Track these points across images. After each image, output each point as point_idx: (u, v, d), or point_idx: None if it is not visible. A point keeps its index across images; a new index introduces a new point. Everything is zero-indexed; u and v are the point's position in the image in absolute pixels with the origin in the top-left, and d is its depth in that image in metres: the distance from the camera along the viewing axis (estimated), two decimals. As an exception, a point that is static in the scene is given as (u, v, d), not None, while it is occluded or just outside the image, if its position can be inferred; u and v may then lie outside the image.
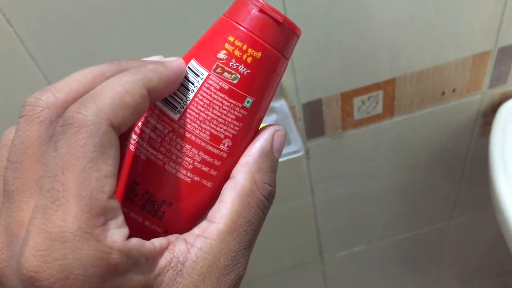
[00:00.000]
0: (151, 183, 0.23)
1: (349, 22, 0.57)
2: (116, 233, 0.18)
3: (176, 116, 0.22)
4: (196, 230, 0.21)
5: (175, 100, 0.23)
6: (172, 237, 0.21)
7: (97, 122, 0.18)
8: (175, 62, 0.22)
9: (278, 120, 0.60)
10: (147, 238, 0.20)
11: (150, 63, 0.22)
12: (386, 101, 0.67)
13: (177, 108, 0.23)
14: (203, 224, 0.22)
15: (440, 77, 0.66)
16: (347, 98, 0.65)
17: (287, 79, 0.60)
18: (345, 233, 0.93)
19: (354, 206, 0.86)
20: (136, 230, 0.21)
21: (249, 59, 0.22)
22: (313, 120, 0.66)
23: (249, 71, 0.22)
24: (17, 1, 0.47)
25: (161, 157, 0.23)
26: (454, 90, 0.69)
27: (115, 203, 0.19)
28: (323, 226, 0.88)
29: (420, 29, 0.60)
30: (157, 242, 0.20)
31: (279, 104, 0.61)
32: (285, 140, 0.24)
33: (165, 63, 0.22)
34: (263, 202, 0.22)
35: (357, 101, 0.66)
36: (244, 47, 0.22)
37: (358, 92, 0.65)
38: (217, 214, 0.22)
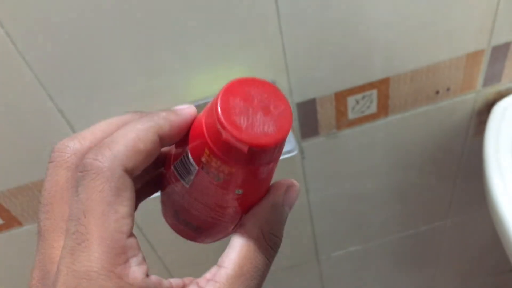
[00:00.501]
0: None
1: (342, 22, 0.57)
2: (137, 270, 0.20)
3: (187, 185, 0.25)
4: (208, 275, 0.23)
5: (184, 173, 0.25)
6: (186, 280, 0.24)
7: (112, 168, 0.21)
8: (185, 110, 0.24)
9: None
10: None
11: (163, 111, 0.24)
12: (380, 100, 0.67)
13: (185, 180, 0.25)
14: (214, 269, 0.24)
15: (434, 76, 0.66)
16: (341, 97, 0.65)
17: (280, 79, 0.60)
18: (341, 233, 0.93)
19: (350, 206, 0.86)
20: None
21: (225, 170, 0.23)
22: (307, 120, 0.66)
23: (228, 177, 0.24)
24: (9, 4, 0.47)
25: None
26: (448, 89, 0.69)
27: (134, 242, 0.21)
28: (319, 226, 0.88)
29: (414, 28, 0.59)
30: (174, 282, 0.23)
31: (272, 104, 0.61)
32: (298, 195, 0.26)
33: (176, 111, 0.24)
34: (268, 251, 0.24)
35: (351, 100, 0.66)
36: (218, 163, 0.23)
37: (352, 91, 0.64)
38: (226, 260, 0.23)
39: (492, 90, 0.71)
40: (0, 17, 0.47)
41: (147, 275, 0.21)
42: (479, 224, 0.98)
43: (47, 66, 0.52)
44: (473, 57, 0.65)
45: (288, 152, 0.55)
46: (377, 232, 0.95)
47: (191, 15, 0.52)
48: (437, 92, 0.69)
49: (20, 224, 0.68)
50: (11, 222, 0.67)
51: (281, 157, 0.55)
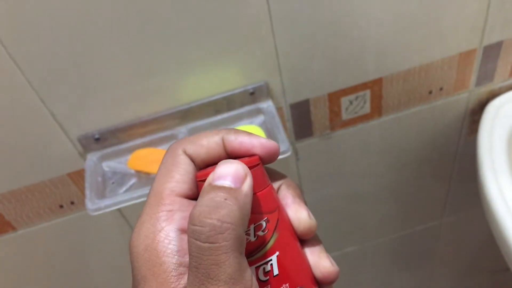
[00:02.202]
0: None
1: (335, 22, 0.57)
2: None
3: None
4: None
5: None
6: None
7: (175, 149, 0.26)
8: (263, 141, 0.26)
9: (265, 121, 0.60)
10: None
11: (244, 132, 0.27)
12: (373, 100, 0.67)
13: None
14: None
15: (427, 76, 0.66)
16: (334, 98, 0.65)
17: (273, 80, 0.60)
18: (337, 234, 0.92)
19: (345, 206, 0.86)
20: None
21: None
22: (301, 120, 0.66)
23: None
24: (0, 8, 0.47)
25: None
26: (441, 89, 0.69)
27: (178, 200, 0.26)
28: (314, 227, 0.88)
29: (406, 28, 0.60)
30: None
31: (266, 104, 0.61)
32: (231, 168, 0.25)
33: (252, 135, 0.26)
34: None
35: (344, 101, 0.66)
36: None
37: (345, 92, 0.64)
38: None
39: (485, 89, 0.71)
40: (-10, 21, 0.47)
41: None
42: (474, 223, 0.98)
43: (39, 69, 0.52)
44: (466, 56, 0.65)
45: (282, 153, 0.55)
46: (373, 232, 0.95)
47: (183, 16, 0.52)
48: (430, 92, 0.69)
49: (14, 228, 0.68)
50: (5, 227, 0.67)
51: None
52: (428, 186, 0.87)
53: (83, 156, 0.61)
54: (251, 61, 0.58)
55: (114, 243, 0.74)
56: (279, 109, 0.64)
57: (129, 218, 0.71)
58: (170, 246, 0.23)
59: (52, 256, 0.73)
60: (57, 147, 0.59)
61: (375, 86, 0.65)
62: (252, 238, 0.24)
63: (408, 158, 0.79)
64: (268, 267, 0.25)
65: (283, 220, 0.26)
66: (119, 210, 0.69)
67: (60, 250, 0.73)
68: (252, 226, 0.24)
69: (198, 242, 0.21)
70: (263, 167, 0.26)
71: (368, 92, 0.66)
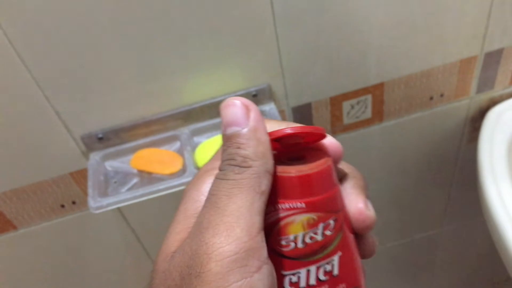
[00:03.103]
0: None
1: (337, 27, 0.58)
2: None
3: None
4: None
5: None
6: None
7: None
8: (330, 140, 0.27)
9: (267, 123, 0.61)
10: None
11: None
12: (375, 105, 0.67)
13: None
14: None
15: (428, 82, 0.67)
16: (336, 102, 0.65)
17: (276, 83, 0.61)
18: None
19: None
20: None
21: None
22: (303, 124, 0.67)
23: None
24: (9, 6, 0.47)
25: None
26: (442, 95, 0.69)
27: None
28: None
29: (407, 34, 0.60)
30: None
31: (268, 107, 0.61)
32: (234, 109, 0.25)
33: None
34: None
35: (346, 105, 0.66)
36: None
37: (347, 96, 0.65)
38: None
39: (485, 96, 0.72)
40: (-2, 17, 0.48)
41: None
42: (475, 232, 0.98)
43: (45, 67, 0.53)
44: (466, 63, 0.66)
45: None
46: (373, 239, 0.95)
47: (188, 19, 0.53)
48: (431, 98, 0.69)
49: (15, 228, 0.68)
50: (6, 225, 0.67)
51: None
52: (428, 193, 0.87)
53: (86, 155, 0.61)
54: (254, 63, 0.59)
55: (114, 243, 0.74)
56: (281, 112, 0.64)
57: (130, 219, 0.71)
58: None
59: (52, 255, 0.73)
60: (61, 145, 0.60)
61: (377, 91, 0.66)
62: (320, 238, 0.24)
63: (408, 164, 0.79)
64: (329, 267, 0.24)
65: (346, 219, 0.25)
66: (119, 211, 0.69)
67: (60, 250, 0.73)
68: (321, 225, 0.24)
69: (218, 180, 0.23)
70: (333, 166, 0.25)
71: (369, 97, 0.66)
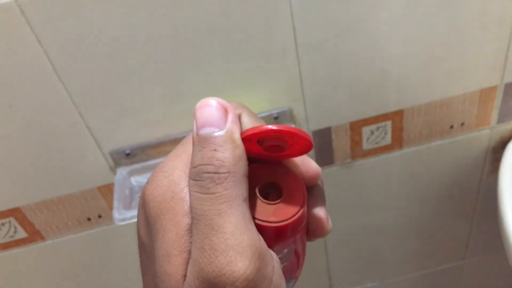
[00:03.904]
0: None
1: (357, 54, 0.60)
2: None
3: None
4: None
5: None
6: None
7: None
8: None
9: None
10: None
11: None
12: (394, 131, 0.69)
13: None
14: None
15: (448, 111, 0.68)
16: (356, 127, 0.67)
17: (297, 107, 0.63)
18: (356, 268, 0.92)
19: (365, 239, 0.86)
20: None
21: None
22: (322, 148, 0.68)
23: None
24: (50, 24, 0.51)
25: None
26: (462, 124, 0.70)
27: None
28: (334, 259, 0.88)
29: (427, 63, 0.62)
30: None
31: (289, 129, 0.63)
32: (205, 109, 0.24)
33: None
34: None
35: (365, 130, 0.68)
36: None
37: (366, 121, 0.67)
38: None
39: (507, 127, 0.72)
40: (40, 37, 0.52)
41: None
42: (499, 266, 0.96)
43: (80, 84, 0.56)
44: (487, 93, 0.67)
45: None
46: (393, 269, 0.94)
47: (214, 45, 0.56)
48: (452, 127, 0.70)
49: (43, 238, 0.71)
50: (34, 236, 0.70)
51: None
52: (450, 223, 0.86)
53: (113, 170, 0.64)
54: (277, 87, 0.61)
55: (138, 257, 0.76)
56: (301, 135, 0.66)
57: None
58: None
59: (77, 267, 0.76)
60: (90, 160, 0.63)
61: (396, 118, 0.67)
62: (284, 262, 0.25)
63: (429, 193, 0.79)
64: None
65: (303, 239, 0.26)
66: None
67: (85, 261, 0.75)
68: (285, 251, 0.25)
69: (198, 194, 0.21)
70: (304, 212, 0.25)
71: (389, 123, 0.67)
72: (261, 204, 0.24)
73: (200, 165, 0.22)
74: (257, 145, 0.24)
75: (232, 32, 0.55)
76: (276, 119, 0.63)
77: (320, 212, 0.26)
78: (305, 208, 0.25)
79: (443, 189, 0.79)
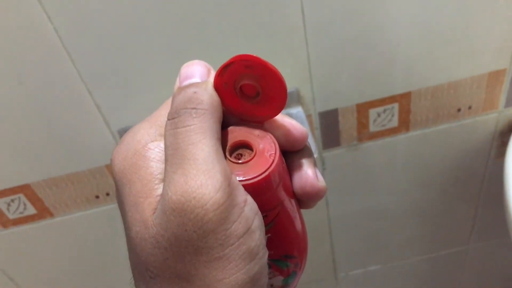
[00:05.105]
0: None
1: (365, 35, 0.60)
2: None
3: None
4: None
5: None
6: None
7: None
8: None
9: (294, 126, 0.63)
10: None
11: None
12: (401, 114, 0.69)
13: None
14: None
15: (456, 94, 0.68)
16: (362, 109, 0.67)
17: (304, 88, 0.63)
18: (360, 251, 0.93)
19: (370, 223, 0.87)
20: None
21: None
22: (329, 129, 0.69)
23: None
24: (60, 1, 0.52)
25: None
26: (470, 108, 0.70)
27: None
28: (338, 242, 0.89)
29: (434, 45, 0.62)
30: None
31: (295, 110, 0.63)
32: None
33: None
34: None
35: (372, 113, 0.68)
36: None
37: (373, 104, 0.67)
38: None
39: (514, 111, 0.72)
40: (50, 13, 0.52)
41: None
42: (503, 252, 0.96)
43: (90, 63, 0.57)
44: (495, 76, 0.66)
45: (308, 155, 0.57)
46: (397, 253, 0.95)
47: (221, 24, 0.56)
48: (459, 110, 0.70)
49: (51, 215, 0.72)
50: (43, 212, 0.71)
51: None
52: (455, 207, 0.87)
53: (121, 148, 0.65)
54: (284, 67, 0.61)
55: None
56: (308, 117, 0.66)
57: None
58: (159, 154, 0.24)
59: (85, 244, 0.77)
60: (99, 138, 0.64)
61: (403, 100, 0.67)
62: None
63: (434, 176, 0.79)
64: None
65: (283, 208, 0.26)
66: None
67: (94, 239, 0.76)
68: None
69: (173, 130, 0.22)
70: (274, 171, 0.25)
71: (396, 106, 0.67)
72: (230, 163, 0.24)
73: (179, 104, 0.23)
74: (235, 95, 0.25)
75: (240, 11, 0.55)
76: (283, 99, 0.63)
77: (307, 170, 0.26)
78: (278, 168, 0.24)
79: (448, 173, 0.79)
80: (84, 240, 0.77)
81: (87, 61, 0.57)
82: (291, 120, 0.26)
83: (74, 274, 0.82)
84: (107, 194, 0.71)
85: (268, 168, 0.24)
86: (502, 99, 0.70)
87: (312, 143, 0.59)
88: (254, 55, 0.24)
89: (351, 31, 0.59)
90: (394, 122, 0.70)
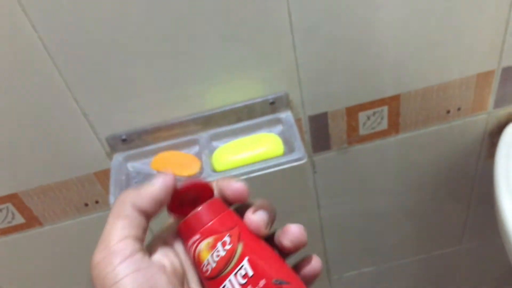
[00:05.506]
0: None
1: (353, 39, 0.59)
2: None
3: None
4: None
5: None
6: None
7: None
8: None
9: (283, 130, 0.63)
10: None
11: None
12: (391, 117, 0.68)
13: None
14: None
15: (445, 95, 0.68)
16: (352, 112, 0.67)
17: (293, 92, 0.63)
18: (353, 253, 0.93)
19: (362, 225, 0.87)
20: None
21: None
22: (319, 133, 0.68)
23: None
24: (43, 9, 0.51)
25: None
26: (459, 109, 0.70)
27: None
28: (331, 245, 0.89)
29: (423, 47, 0.62)
30: None
31: (285, 114, 0.63)
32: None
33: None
34: None
35: (362, 116, 0.68)
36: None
37: (363, 106, 0.66)
38: None
39: (503, 112, 0.72)
40: (34, 22, 0.51)
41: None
42: (495, 251, 0.97)
43: (75, 70, 0.56)
44: (483, 77, 0.67)
45: (297, 160, 0.57)
46: (390, 254, 0.95)
47: (209, 29, 0.56)
48: (448, 112, 0.70)
49: (40, 224, 0.71)
50: (32, 221, 0.71)
51: (290, 165, 0.58)
52: (446, 208, 0.87)
53: (109, 156, 0.64)
54: (273, 72, 0.61)
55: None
56: (297, 121, 0.66)
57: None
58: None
59: (75, 252, 0.76)
60: (87, 146, 0.63)
61: (393, 103, 0.67)
62: (222, 253, 0.30)
63: (425, 178, 0.79)
64: (243, 271, 0.30)
65: (245, 231, 0.31)
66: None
67: (82, 247, 0.76)
68: (219, 244, 0.30)
69: None
70: (217, 201, 0.32)
71: (385, 108, 0.67)
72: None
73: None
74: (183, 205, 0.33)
75: (228, 16, 0.55)
76: (272, 104, 0.63)
77: (251, 215, 0.32)
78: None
79: (439, 175, 0.79)
80: (73, 249, 0.76)
81: (73, 69, 0.56)
82: (230, 180, 0.33)
83: (64, 283, 0.81)
84: (96, 202, 0.70)
85: (212, 199, 0.33)
86: (491, 100, 0.70)
87: (301, 147, 0.58)
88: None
89: (339, 34, 0.59)
90: (384, 125, 0.70)
